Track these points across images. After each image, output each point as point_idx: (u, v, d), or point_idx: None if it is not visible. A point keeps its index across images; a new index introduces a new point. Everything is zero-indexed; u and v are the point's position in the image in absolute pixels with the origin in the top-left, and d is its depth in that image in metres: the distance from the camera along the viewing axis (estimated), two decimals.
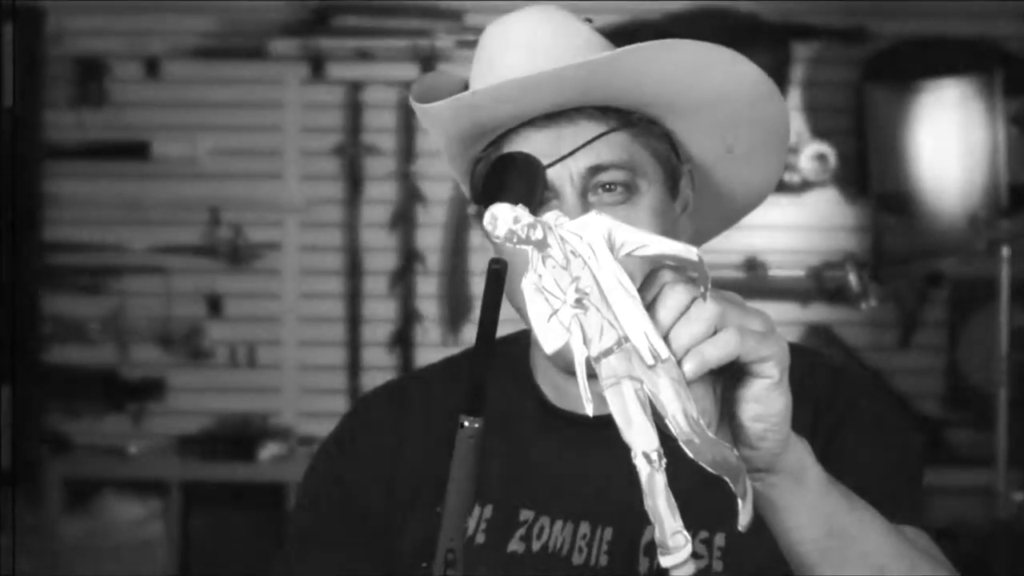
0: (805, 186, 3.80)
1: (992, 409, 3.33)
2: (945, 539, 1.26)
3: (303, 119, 3.99)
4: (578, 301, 0.90)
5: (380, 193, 3.98)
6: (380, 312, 3.99)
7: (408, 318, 3.97)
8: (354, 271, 4.00)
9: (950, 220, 3.54)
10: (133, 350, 3.97)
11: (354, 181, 3.99)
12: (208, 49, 3.94)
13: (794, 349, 1.00)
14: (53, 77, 3.97)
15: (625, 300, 0.90)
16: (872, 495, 1.10)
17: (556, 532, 1.31)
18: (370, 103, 3.98)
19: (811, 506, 1.04)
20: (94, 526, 3.74)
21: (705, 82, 1.25)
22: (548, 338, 0.91)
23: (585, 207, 1.22)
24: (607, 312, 0.90)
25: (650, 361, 0.90)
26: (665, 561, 0.89)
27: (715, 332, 0.93)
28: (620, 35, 1.33)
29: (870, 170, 3.68)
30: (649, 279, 0.94)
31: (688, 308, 0.93)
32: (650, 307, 0.92)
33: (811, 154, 3.75)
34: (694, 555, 1.06)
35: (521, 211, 0.90)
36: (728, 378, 0.97)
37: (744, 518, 0.93)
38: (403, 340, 3.98)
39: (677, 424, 0.90)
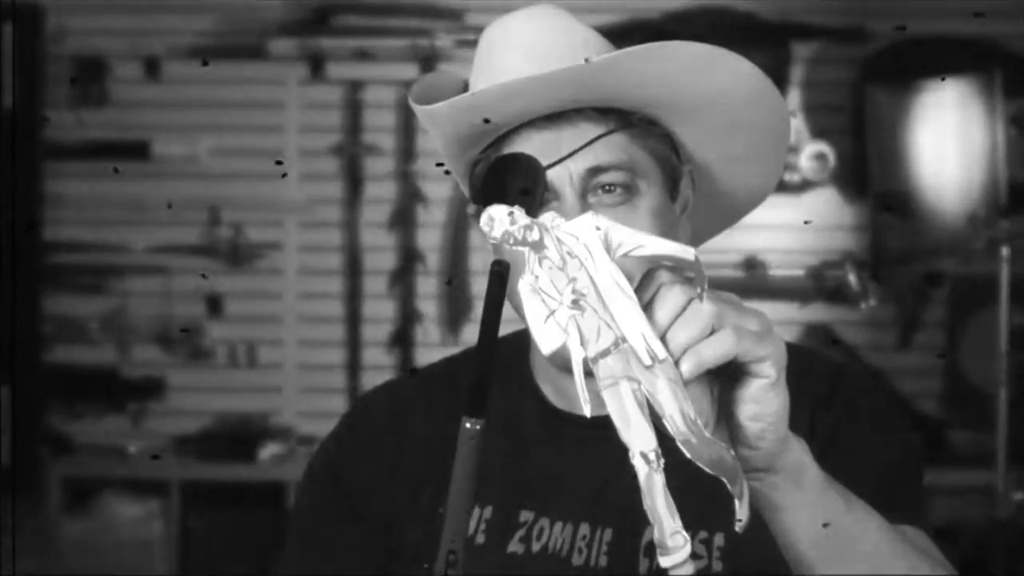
0: (804, 186, 3.80)
1: (992, 409, 3.33)
2: (945, 539, 1.26)
3: (303, 119, 4.00)
4: (575, 302, 0.90)
5: (380, 193, 3.98)
6: (380, 312, 3.99)
7: (408, 318, 3.98)
8: (354, 271, 4.00)
9: (949, 220, 3.54)
10: (133, 350, 3.97)
11: (354, 181, 3.99)
12: (208, 49, 3.94)
13: (792, 348, 1.00)
14: (53, 77, 3.97)
15: (622, 301, 0.90)
16: (871, 495, 1.10)
17: (556, 533, 1.31)
18: (370, 103, 3.98)
19: (809, 506, 1.04)
20: (94, 526, 3.74)
21: (704, 83, 1.25)
22: (545, 339, 0.91)
23: (584, 208, 1.22)
24: (604, 313, 0.90)
25: (647, 362, 0.90)
26: (664, 561, 0.89)
27: (712, 332, 0.93)
28: (619, 35, 1.33)
29: (869, 170, 3.68)
30: (646, 280, 0.94)
31: (685, 309, 0.93)
32: (647, 308, 0.92)
33: (810, 154, 3.75)
34: (693, 555, 1.06)
35: (518, 213, 0.90)
36: (725, 378, 0.97)
37: (741, 518, 0.93)
38: (403, 340, 3.98)
39: (675, 424, 0.90)
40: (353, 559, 1.36)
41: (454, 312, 3.93)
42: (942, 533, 1.28)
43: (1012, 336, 3.35)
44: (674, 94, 1.26)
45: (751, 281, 3.84)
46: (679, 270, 0.94)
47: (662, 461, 0.89)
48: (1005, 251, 3.33)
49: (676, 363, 0.92)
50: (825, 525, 1.04)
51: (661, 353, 0.90)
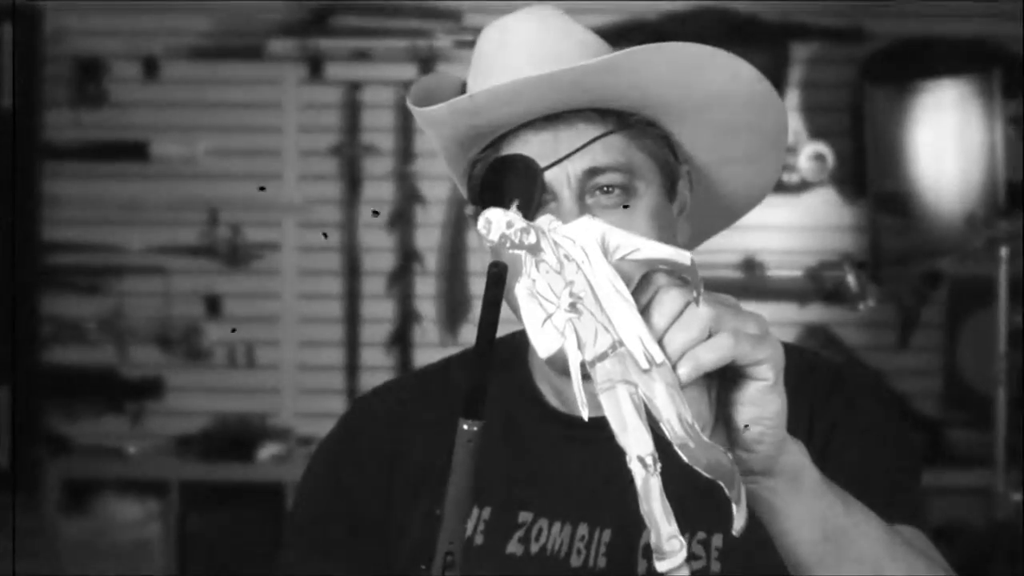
0: (803, 186, 3.80)
1: (991, 409, 3.34)
2: (943, 539, 1.26)
3: (301, 119, 4.00)
4: (572, 305, 0.90)
5: (378, 193, 3.98)
6: (378, 312, 3.98)
7: (406, 318, 3.97)
8: (352, 271, 4.00)
9: (948, 220, 3.54)
10: (132, 350, 3.97)
11: (352, 181, 3.99)
12: (207, 49, 3.93)
13: (790, 350, 1.00)
14: (52, 77, 3.97)
15: (619, 304, 0.90)
16: (869, 495, 1.09)
17: (555, 534, 1.31)
18: (368, 103, 3.98)
19: (807, 508, 1.04)
20: (93, 526, 3.74)
21: (702, 84, 1.25)
22: (542, 342, 0.91)
23: (582, 209, 1.22)
24: (601, 316, 0.90)
25: (645, 365, 0.90)
26: (660, 566, 0.89)
27: (709, 336, 0.93)
28: (618, 35, 1.33)
29: (868, 170, 3.68)
30: (643, 283, 0.94)
31: (682, 312, 0.93)
32: (644, 311, 0.92)
33: (809, 154, 3.75)
34: (692, 556, 1.06)
35: (515, 215, 0.90)
36: (723, 381, 0.97)
37: (738, 522, 0.93)
38: (401, 340, 3.98)
39: (672, 428, 0.90)
40: (351, 560, 1.36)
41: (452, 313, 3.93)
42: (941, 534, 1.28)
43: (1011, 336, 3.35)
44: (672, 95, 1.26)
45: (749, 282, 3.84)
46: (676, 273, 0.94)
47: (659, 465, 0.89)
48: (1004, 251, 3.33)
49: (673, 367, 0.91)
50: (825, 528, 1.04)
51: (658, 357, 0.90)
